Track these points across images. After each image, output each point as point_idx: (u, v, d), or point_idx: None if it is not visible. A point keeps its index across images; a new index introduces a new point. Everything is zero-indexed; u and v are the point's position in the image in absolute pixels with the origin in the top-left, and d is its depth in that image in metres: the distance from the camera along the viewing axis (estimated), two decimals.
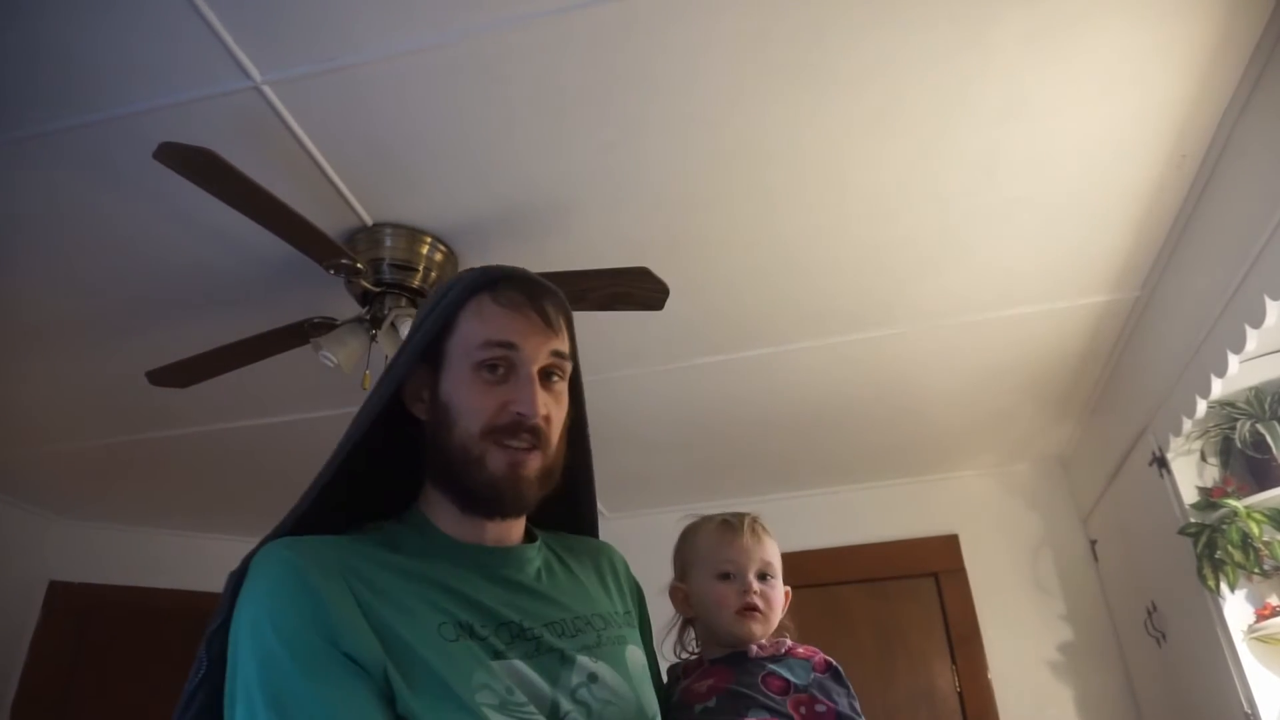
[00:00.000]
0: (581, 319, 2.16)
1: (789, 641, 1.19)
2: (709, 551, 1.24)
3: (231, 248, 2.10)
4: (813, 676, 1.13)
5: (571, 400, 1.05)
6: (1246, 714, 2.23)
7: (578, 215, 2.05)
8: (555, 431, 0.98)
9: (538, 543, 1.04)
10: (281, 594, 0.83)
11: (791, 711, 1.08)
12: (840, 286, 2.37)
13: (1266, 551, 2.22)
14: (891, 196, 2.04)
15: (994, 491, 3.63)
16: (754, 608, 1.18)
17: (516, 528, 1.03)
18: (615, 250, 2.15)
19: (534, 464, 0.95)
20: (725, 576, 1.20)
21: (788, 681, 1.11)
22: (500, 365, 0.95)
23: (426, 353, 0.98)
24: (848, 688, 1.14)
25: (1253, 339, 1.93)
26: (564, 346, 1.00)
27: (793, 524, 3.62)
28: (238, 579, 0.88)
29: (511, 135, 1.81)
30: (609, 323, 2.33)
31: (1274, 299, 1.82)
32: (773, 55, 1.65)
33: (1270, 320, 1.85)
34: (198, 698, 0.86)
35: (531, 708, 0.84)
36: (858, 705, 1.12)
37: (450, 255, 2.14)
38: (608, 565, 1.14)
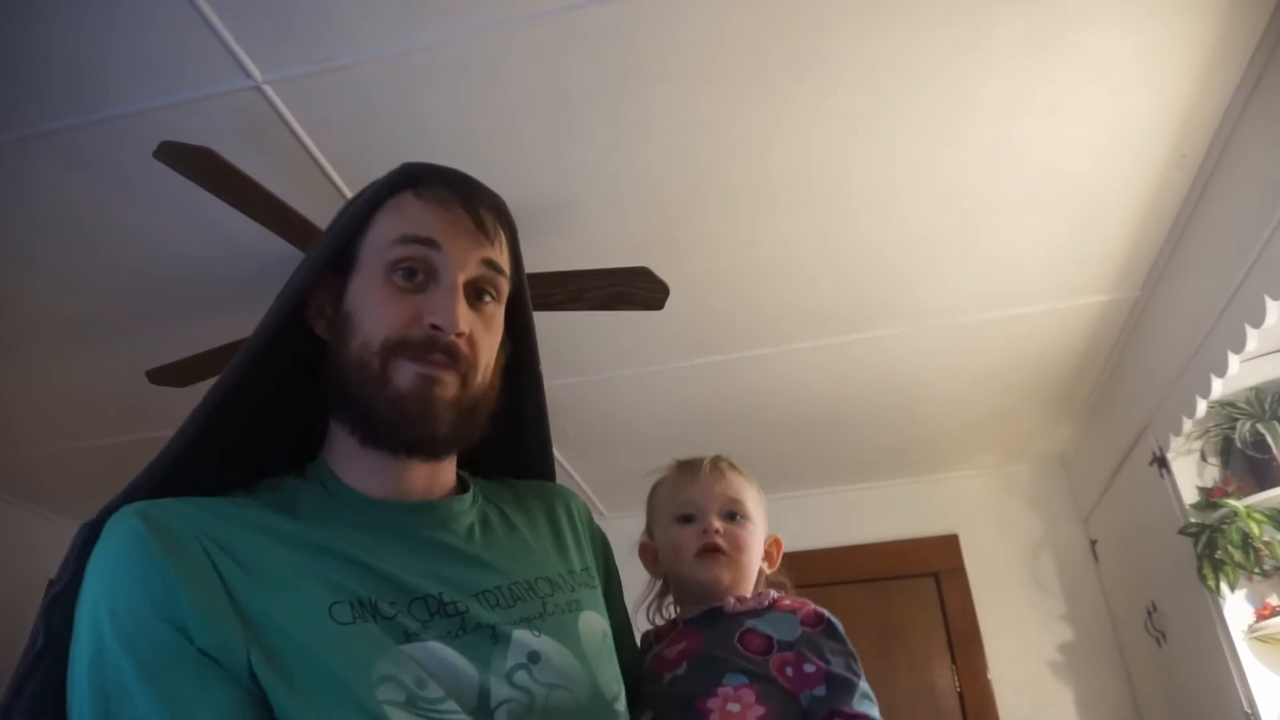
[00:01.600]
0: (582, 319, 2.16)
1: (774, 594, 1.03)
2: (669, 496, 1.11)
3: (232, 247, 2.10)
4: (800, 632, 0.95)
5: (518, 336, 0.92)
6: (1246, 714, 2.23)
7: (578, 215, 2.05)
8: (482, 360, 0.81)
9: (470, 493, 0.87)
10: (122, 572, 0.68)
11: (775, 673, 0.92)
12: (840, 286, 2.37)
13: (1266, 551, 2.22)
14: (892, 197, 2.04)
15: (994, 491, 3.63)
16: (714, 548, 1.03)
17: (442, 477, 0.86)
18: (615, 250, 2.15)
19: (451, 384, 0.78)
20: (686, 519, 1.07)
21: (769, 639, 0.95)
22: (418, 269, 0.79)
23: (337, 260, 0.82)
24: (844, 643, 0.96)
25: (1253, 339, 1.93)
26: (500, 259, 0.84)
27: (793, 524, 3.60)
28: (88, 533, 0.72)
29: (512, 135, 1.81)
30: (609, 323, 2.33)
31: (1274, 299, 1.82)
32: (773, 55, 1.65)
33: (1270, 320, 1.85)
34: (37, 673, 0.70)
35: (450, 703, 0.69)
36: (858, 665, 0.95)
37: None
38: (563, 513, 0.96)
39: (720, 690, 0.91)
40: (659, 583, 1.13)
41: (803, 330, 2.58)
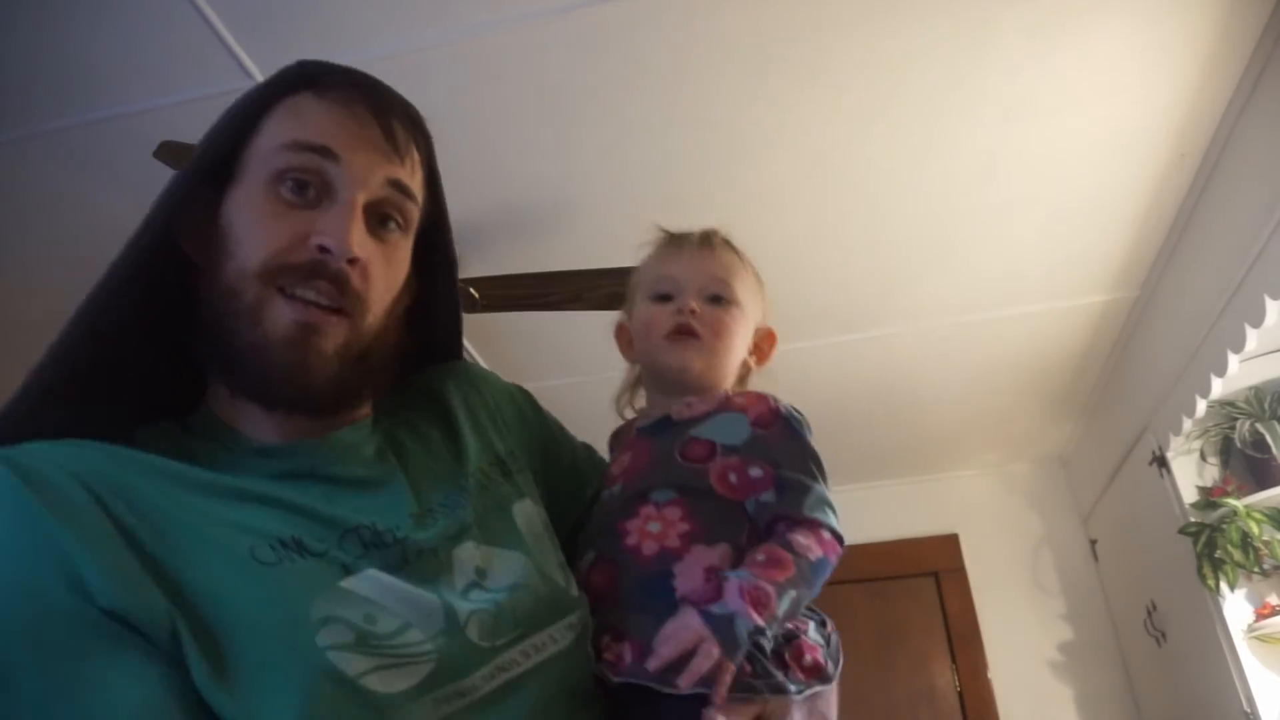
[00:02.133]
0: (582, 319, 2.16)
1: (728, 392, 0.90)
2: (650, 270, 0.97)
3: None
4: (750, 434, 0.82)
5: (438, 276, 0.81)
6: (1246, 713, 2.23)
7: (577, 215, 2.05)
8: (378, 296, 0.69)
9: (367, 419, 0.76)
10: None
11: (714, 483, 0.79)
12: (840, 286, 2.37)
13: (1266, 551, 2.22)
14: (892, 196, 2.04)
15: (994, 491, 3.63)
16: (686, 330, 0.89)
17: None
18: (615, 250, 2.15)
19: (335, 333, 0.66)
20: (663, 298, 0.93)
21: (712, 444, 0.82)
22: (310, 182, 0.67)
23: (218, 169, 0.70)
24: (801, 443, 0.83)
25: (1253, 338, 1.93)
26: (411, 182, 0.72)
27: None
28: None
29: (511, 135, 1.81)
30: (609, 323, 2.32)
31: (1274, 298, 1.82)
32: (772, 55, 1.65)
33: (1270, 320, 1.85)
34: None
35: (413, 632, 0.60)
36: (818, 468, 0.81)
37: None
38: (473, 395, 0.84)
39: (642, 509, 0.78)
40: (635, 370, 1.01)
41: (802, 330, 2.58)
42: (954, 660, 3.38)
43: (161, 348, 0.71)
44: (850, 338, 2.62)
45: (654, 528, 0.77)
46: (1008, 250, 2.24)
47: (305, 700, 0.55)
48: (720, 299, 0.92)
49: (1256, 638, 2.25)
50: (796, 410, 0.87)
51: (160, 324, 0.70)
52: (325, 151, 0.67)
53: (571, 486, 0.90)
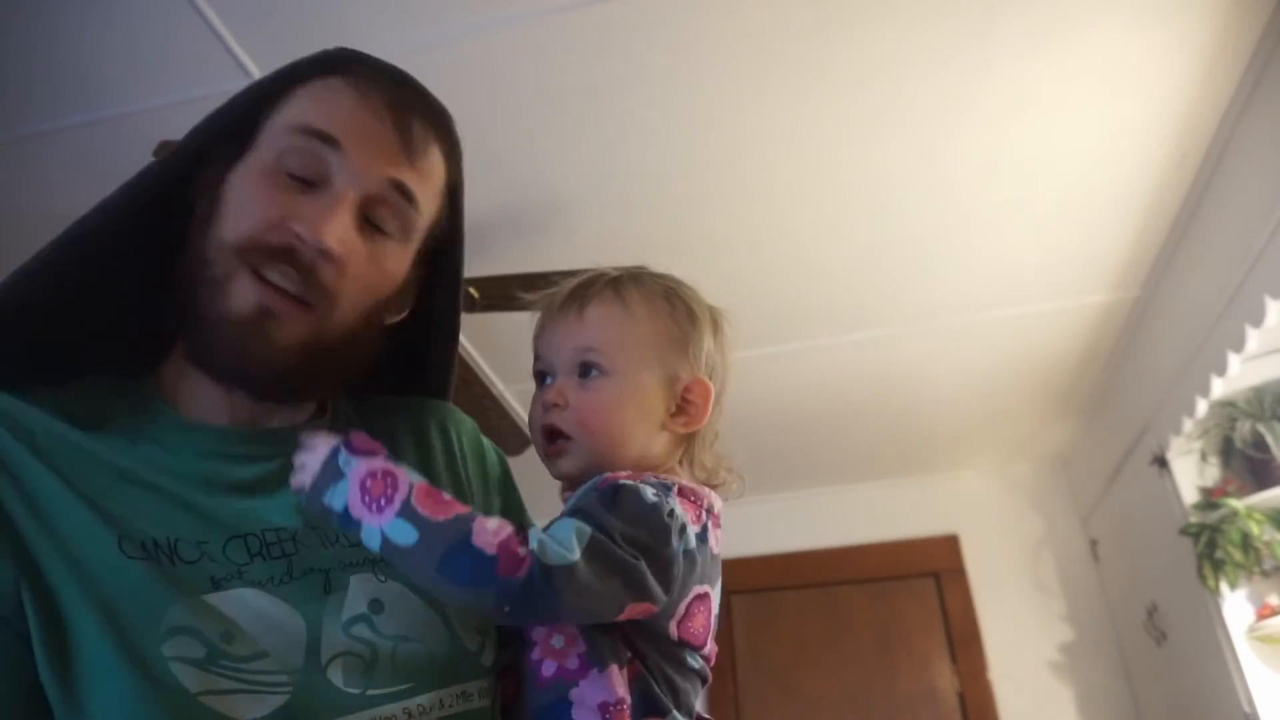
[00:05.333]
0: None
1: (619, 474, 0.69)
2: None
3: None
4: (582, 493, 0.68)
5: (442, 295, 0.77)
6: (1246, 714, 2.23)
7: (576, 215, 2.05)
8: (351, 296, 0.65)
9: (325, 418, 0.73)
10: None
11: None
12: (840, 286, 2.37)
13: (1266, 551, 2.22)
14: (892, 196, 2.04)
15: (994, 491, 3.62)
16: (549, 432, 0.73)
17: (289, 407, 0.71)
18: (615, 250, 2.14)
19: (294, 324, 0.63)
20: (540, 380, 0.77)
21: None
22: (310, 169, 0.65)
23: (240, 134, 0.69)
24: (608, 496, 0.65)
25: (1253, 338, 1.93)
26: (419, 188, 0.68)
27: (793, 524, 3.61)
28: None
29: (509, 135, 1.81)
30: None
31: (1274, 298, 1.82)
32: (773, 55, 1.65)
33: (1270, 320, 1.85)
34: None
35: (265, 661, 0.57)
36: (605, 515, 0.63)
37: None
38: (436, 435, 0.79)
39: (537, 632, 0.66)
40: None
41: (803, 330, 2.58)
42: (954, 660, 3.38)
43: (148, 295, 0.69)
44: (851, 338, 2.62)
45: (557, 642, 0.65)
46: (1008, 250, 2.24)
47: (136, 708, 0.53)
48: (591, 370, 0.73)
49: (1257, 638, 2.25)
50: (642, 493, 0.66)
51: (153, 269, 0.68)
52: (330, 140, 0.65)
53: None
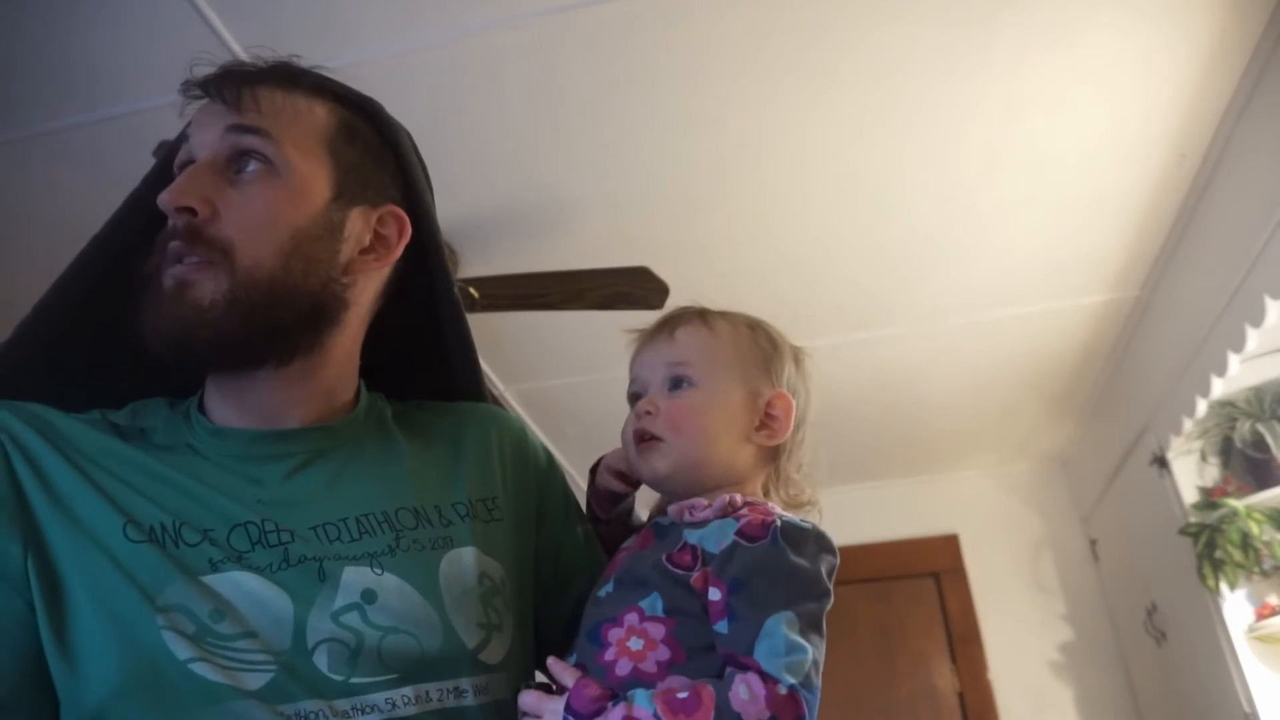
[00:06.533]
0: (582, 319, 2.16)
1: (738, 497, 0.75)
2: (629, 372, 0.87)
3: None
4: (731, 542, 0.69)
5: (426, 253, 0.80)
6: (1246, 714, 2.23)
7: (578, 215, 2.05)
8: (243, 235, 0.68)
9: (351, 415, 0.77)
10: None
11: (700, 590, 0.69)
12: (840, 286, 2.37)
13: (1266, 551, 2.22)
14: (892, 197, 2.04)
15: (994, 491, 3.63)
16: (641, 435, 0.79)
17: (310, 402, 0.74)
18: (615, 250, 2.15)
19: (207, 279, 0.67)
20: (635, 398, 0.83)
21: (697, 551, 0.71)
22: (185, 167, 0.72)
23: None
24: (779, 566, 0.68)
25: (1253, 338, 1.93)
26: (258, 120, 0.70)
27: None
28: None
29: (511, 135, 1.81)
30: (609, 323, 2.33)
31: (1274, 298, 1.82)
32: (774, 54, 1.65)
33: (1270, 320, 1.85)
34: None
35: (249, 640, 0.61)
36: (788, 594, 0.66)
37: (451, 254, 2.14)
38: (474, 438, 0.82)
39: (627, 617, 0.69)
40: None
41: (803, 330, 2.56)
42: (954, 660, 3.38)
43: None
44: (850, 338, 2.62)
45: (635, 644, 0.68)
46: (1008, 250, 2.24)
47: (129, 671, 0.59)
48: (682, 383, 0.80)
49: (1257, 638, 2.26)
50: (803, 527, 0.70)
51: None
52: (184, 138, 0.73)
53: (547, 569, 0.84)
